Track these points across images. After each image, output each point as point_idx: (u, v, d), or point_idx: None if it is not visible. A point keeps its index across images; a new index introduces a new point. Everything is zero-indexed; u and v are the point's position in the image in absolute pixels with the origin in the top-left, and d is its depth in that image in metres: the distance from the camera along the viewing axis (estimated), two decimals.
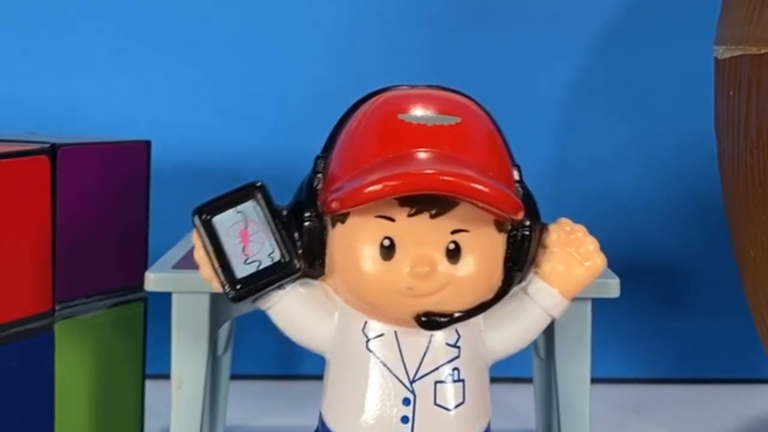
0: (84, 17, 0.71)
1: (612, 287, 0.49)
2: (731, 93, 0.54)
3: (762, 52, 0.51)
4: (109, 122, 0.71)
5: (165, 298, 0.49)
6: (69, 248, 0.52)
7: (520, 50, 0.72)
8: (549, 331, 0.50)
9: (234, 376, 0.63)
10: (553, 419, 0.55)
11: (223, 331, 0.59)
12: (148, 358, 0.58)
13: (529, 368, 0.61)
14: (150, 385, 0.58)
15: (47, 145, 0.51)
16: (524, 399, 0.65)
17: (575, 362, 0.49)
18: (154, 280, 0.49)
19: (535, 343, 0.59)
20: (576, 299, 0.48)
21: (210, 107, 0.72)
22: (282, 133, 0.72)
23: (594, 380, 0.50)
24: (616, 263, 0.51)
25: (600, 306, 0.50)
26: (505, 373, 0.67)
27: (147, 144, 0.57)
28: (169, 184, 0.68)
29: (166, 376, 0.50)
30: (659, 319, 0.74)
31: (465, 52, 0.72)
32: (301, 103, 0.71)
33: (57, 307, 0.52)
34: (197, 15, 0.71)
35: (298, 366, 0.72)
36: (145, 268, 0.52)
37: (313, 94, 0.71)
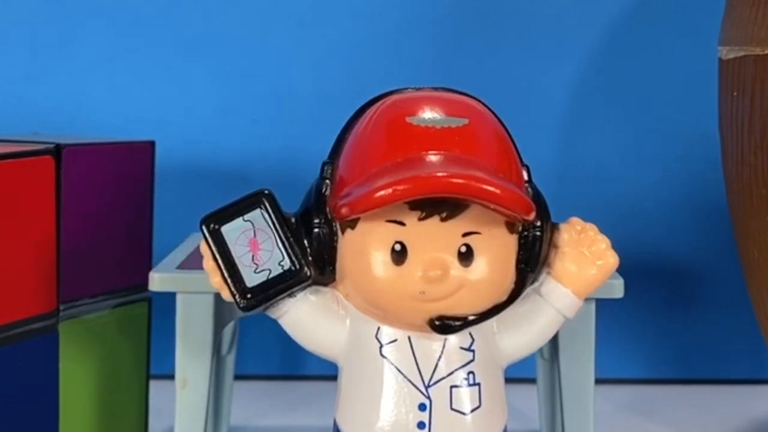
0: (89, 18, 0.71)
1: (616, 288, 0.49)
2: (735, 94, 0.54)
3: (766, 52, 0.51)
4: (114, 123, 0.71)
5: (169, 298, 0.49)
6: (73, 248, 0.52)
7: (524, 52, 0.72)
8: None
9: (238, 377, 0.63)
10: (557, 420, 0.55)
11: (227, 331, 0.59)
12: (152, 359, 0.58)
13: (533, 369, 0.61)
14: (154, 386, 0.58)
15: (52, 146, 0.51)
16: (528, 399, 0.65)
17: (579, 363, 0.49)
18: (158, 280, 0.49)
19: None
20: None
21: (214, 108, 0.72)
22: (286, 134, 0.72)
23: (598, 380, 0.50)
24: (619, 264, 0.51)
25: (604, 306, 0.50)
26: (508, 374, 0.67)
27: (151, 144, 0.57)
28: (173, 185, 0.68)
29: (171, 377, 0.50)
30: (663, 319, 0.74)
31: (469, 54, 0.72)
32: (305, 104, 0.71)
33: (61, 308, 0.52)
34: (202, 16, 0.71)
35: (302, 366, 0.72)
36: (150, 268, 0.52)
37: (318, 95, 0.71)
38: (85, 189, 0.53)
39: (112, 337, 0.55)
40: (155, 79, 0.72)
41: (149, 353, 0.58)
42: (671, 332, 0.74)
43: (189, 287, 0.48)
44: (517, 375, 0.67)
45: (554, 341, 0.50)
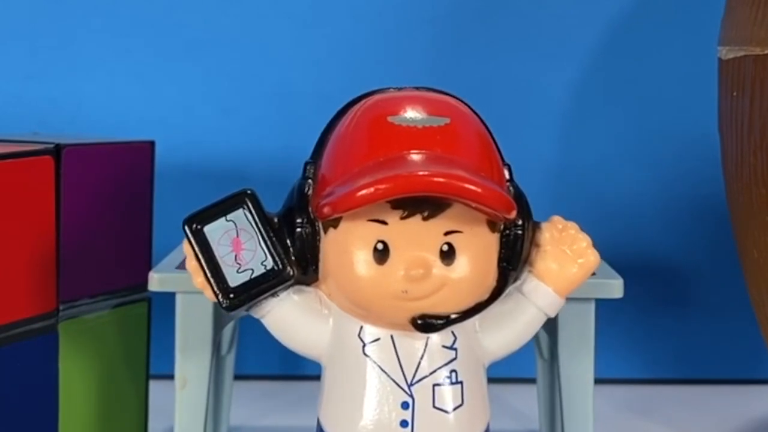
0: (89, 18, 0.71)
1: (615, 288, 0.49)
2: (735, 94, 0.54)
3: (766, 52, 0.51)
4: (113, 122, 0.71)
5: (169, 298, 0.49)
6: (73, 248, 0.52)
7: (524, 51, 0.72)
8: (552, 332, 0.50)
9: (238, 377, 0.63)
10: (557, 420, 0.55)
11: (227, 331, 0.59)
12: (151, 359, 0.58)
13: (532, 369, 0.61)
14: (154, 386, 0.58)
15: (51, 146, 0.51)
16: (527, 399, 0.65)
17: (578, 362, 0.49)
18: (157, 281, 0.49)
19: (538, 343, 0.59)
20: (579, 299, 0.48)
21: (214, 108, 0.72)
22: (285, 134, 0.72)
23: (597, 380, 0.50)
24: (619, 264, 0.51)
25: (603, 306, 0.50)
26: (508, 374, 0.68)
27: (151, 144, 0.57)
28: (173, 185, 0.68)
29: (170, 377, 0.50)
30: (662, 319, 0.74)
31: (468, 53, 0.72)
32: (304, 104, 0.71)
33: (61, 308, 0.52)
34: (201, 16, 0.71)
35: (301, 366, 0.72)
36: (149, 268, 0.52)
37: (317, 95, 0.71)
38: (84, 189, 0.53)
39: (111, 337, 0.55)
40: (155, 79, 0.72)
41: (149, 353, 0.58)
42: (670, 332, 0.74)
43: (189, 287, 0.48)
44: (517, 375, 0.68)
45: (553, 341, 0.50)
